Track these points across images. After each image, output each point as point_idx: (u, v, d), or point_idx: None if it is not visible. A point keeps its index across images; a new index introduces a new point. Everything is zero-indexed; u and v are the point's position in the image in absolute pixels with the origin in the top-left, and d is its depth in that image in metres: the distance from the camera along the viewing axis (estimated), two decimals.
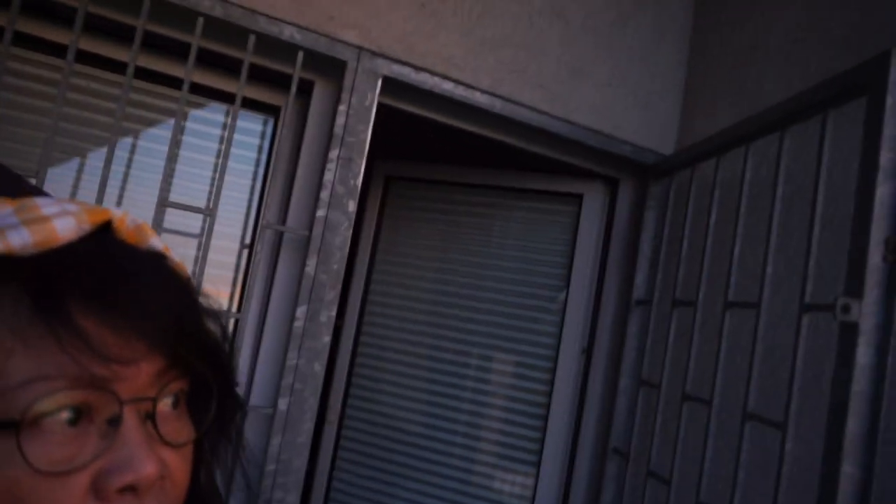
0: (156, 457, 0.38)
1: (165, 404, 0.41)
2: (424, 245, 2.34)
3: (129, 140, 1.50)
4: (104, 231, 0.41)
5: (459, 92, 1.63)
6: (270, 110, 1.62)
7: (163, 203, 1.35)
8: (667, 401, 1.62)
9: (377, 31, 1.52)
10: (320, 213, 1.46)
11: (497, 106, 1.68)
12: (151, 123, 1.52)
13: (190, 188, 1.54)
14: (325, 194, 1.46)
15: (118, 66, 1.44)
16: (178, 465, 0.41)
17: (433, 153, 2.36)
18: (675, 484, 1.48)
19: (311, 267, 1.45)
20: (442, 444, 2.21)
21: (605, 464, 1.81)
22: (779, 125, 1.36)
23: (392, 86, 1.58)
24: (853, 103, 1.19)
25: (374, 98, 1.50)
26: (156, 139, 1.52)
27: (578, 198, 2.13)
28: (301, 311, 1.44)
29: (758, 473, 1.40)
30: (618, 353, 1.89)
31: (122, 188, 1.48)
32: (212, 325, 0.43)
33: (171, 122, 1.51)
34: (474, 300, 2.25)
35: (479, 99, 1.66)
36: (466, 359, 2.24)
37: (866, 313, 1.04)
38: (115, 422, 0.38)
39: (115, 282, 0.38)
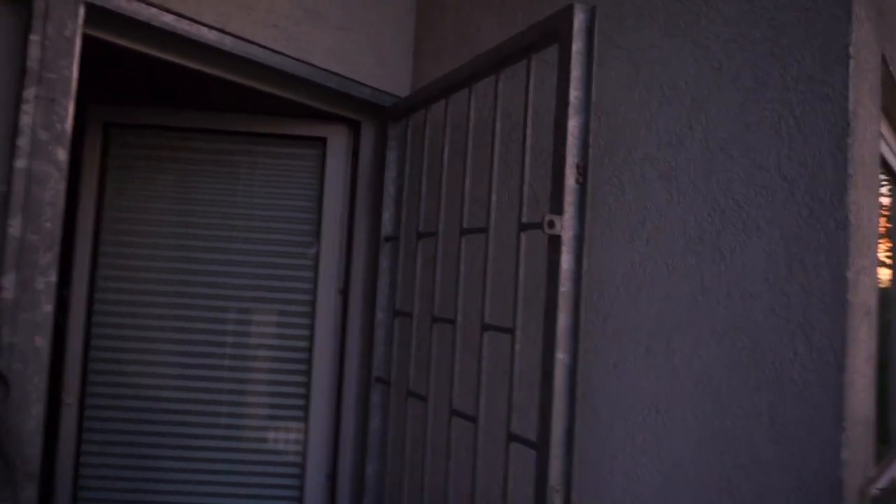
0: None
1: None
2: (161, 198, 2.15)
3: None
4: None
5: (183, 26, 1.50)
6: None
7: None
8: (419, 326, 1.76)
9: None
10: (20, 163, 1.25)
11: (227, 43, 1.59)
12: None
13: None
14: (23, 141, 1.25)
15: None
16: None
17: (164, 97, 2.14)
18: (431, 399, 1.63)
19: (15, 228, 1.25)
20: (204, 405, 2.12)
21: (370, 393, 1.91)
22: (493, 69, 1.51)
23: (101, 15, 1.39)
24: (550, 49, 1.37)
25: (76, 28, 1.30)
26: None
27: (323, 141, 2.13)
28: (8, 279, 1.24)
29: (497, 376, 1.61)
30: (372, 289, 1.98)
31: None
32: None
33: None
34: (224, 253, 2.15)
35: (208, 35, 1.55)
36: (222, 314, 2.15)
37: (566, 227, 1.24)
38: None
39: None
